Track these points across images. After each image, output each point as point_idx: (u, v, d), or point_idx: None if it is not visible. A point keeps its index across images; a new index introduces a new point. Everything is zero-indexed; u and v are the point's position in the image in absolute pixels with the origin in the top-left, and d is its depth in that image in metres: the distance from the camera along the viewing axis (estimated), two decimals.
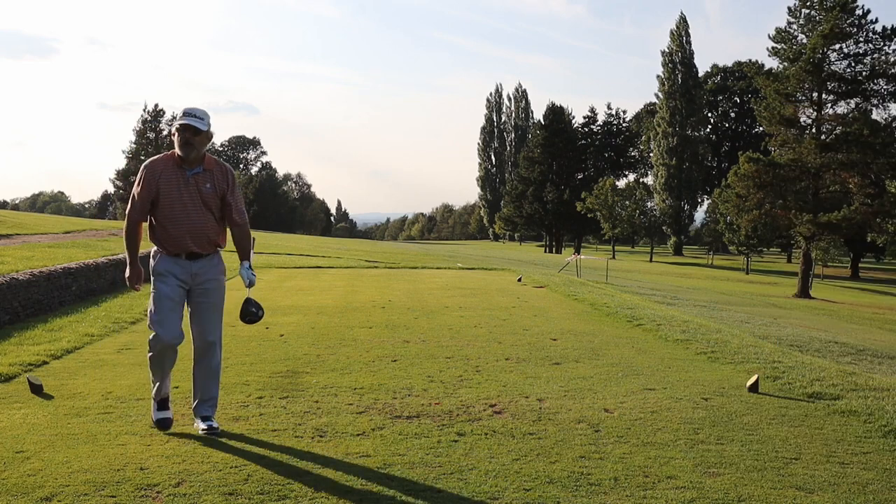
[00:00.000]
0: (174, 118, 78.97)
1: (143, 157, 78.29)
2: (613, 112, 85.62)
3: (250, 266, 4.51)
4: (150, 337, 4.32)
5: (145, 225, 4.44)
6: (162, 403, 4.37)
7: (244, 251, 4.54)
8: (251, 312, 4.45)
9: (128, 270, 4.40)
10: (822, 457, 3.87)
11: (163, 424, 4.28)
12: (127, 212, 4.35)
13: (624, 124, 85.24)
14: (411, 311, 9.40)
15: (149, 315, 4.32)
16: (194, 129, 4.23)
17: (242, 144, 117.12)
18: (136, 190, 4.29)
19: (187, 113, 4.26)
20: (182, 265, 4.32)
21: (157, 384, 4.37)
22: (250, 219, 4.40)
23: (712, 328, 8.90)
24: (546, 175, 76.55)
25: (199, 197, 4.30)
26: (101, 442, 3.98)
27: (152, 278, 4.35)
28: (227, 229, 4.53)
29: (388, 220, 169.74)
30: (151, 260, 4.38)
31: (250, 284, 4.42)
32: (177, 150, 4.29)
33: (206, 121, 4.28)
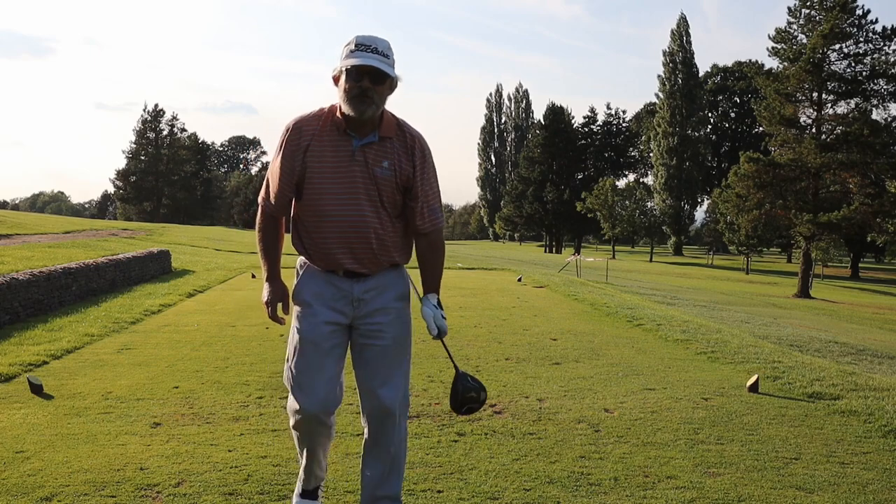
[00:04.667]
0: (174, 118, 79.28)
1: (143, 157, 78.25)
2: (613, 112, 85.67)
3: (439, 303, 2.86)
4: (288, 402, 2.93)
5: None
6: (309, 492, 3.04)
7: (432, 277, 2.88)
8: (469, 396, 2.79)
9: (264, 290, 2.89)
10: (822, 457, 3.87)
11: None
12: (260, 199, 2.87)
13: (624, 124, 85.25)
14: (411, 311, 9.39)
15: (285, 368, 2.87)
16: (376, 73, 2.58)
17: (242, 144, 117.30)
18: (272, 164, 2.79)
19: (363, 45, 2.58)
20: (339, 286, 2.77)
21: (304, 463, 2.99)
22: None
23: (712, 328, 8.90)
24: (546, 175, 76.55)
25: (369, 181, 2.68)
26: (101, 442, 3.98)
27: (292, 307, 2.90)
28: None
29: None
30: (295, 277, 2.89)
31: (439, 334, 2.80)
32: (342, 106, 2.63)
33: (392, 58, 2.64)
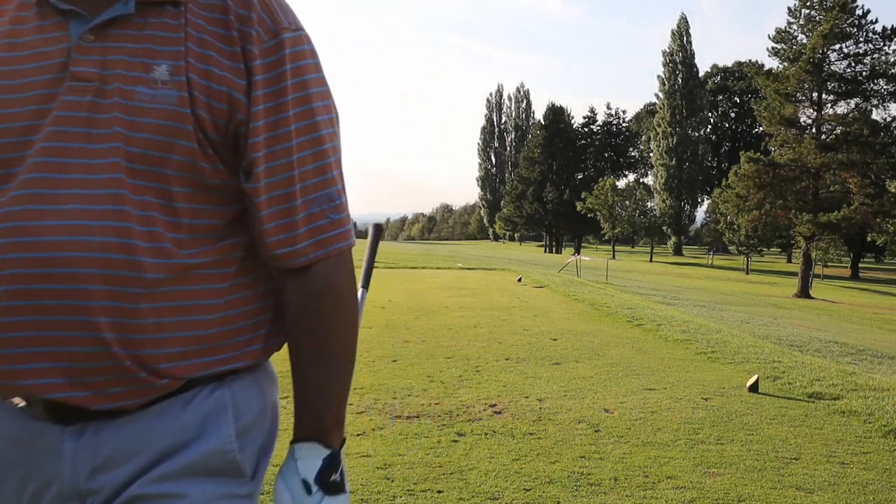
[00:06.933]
0: None
1: None
2: (613, 112, 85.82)
3: (323, 475, 1.15)
4: None
5: None
6: None
7: (312, 391, 1.18)
8: None
9: None
10: (822, 457, 3.87)
11: None
12: None
13: (624, 124, 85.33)
14: (411, 311, 9.40)
15: None
16: None
17: None
18: None
19: None
20: (36, 445, 0.95)
21: None
22: None
23: (712, 328, 8.91)
24: (546, 175, 76.59)
25: (106, 122, 0.90)
26: None
27: None
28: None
29: (387, 219, 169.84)
30: None
31: None
32: None
33: None
